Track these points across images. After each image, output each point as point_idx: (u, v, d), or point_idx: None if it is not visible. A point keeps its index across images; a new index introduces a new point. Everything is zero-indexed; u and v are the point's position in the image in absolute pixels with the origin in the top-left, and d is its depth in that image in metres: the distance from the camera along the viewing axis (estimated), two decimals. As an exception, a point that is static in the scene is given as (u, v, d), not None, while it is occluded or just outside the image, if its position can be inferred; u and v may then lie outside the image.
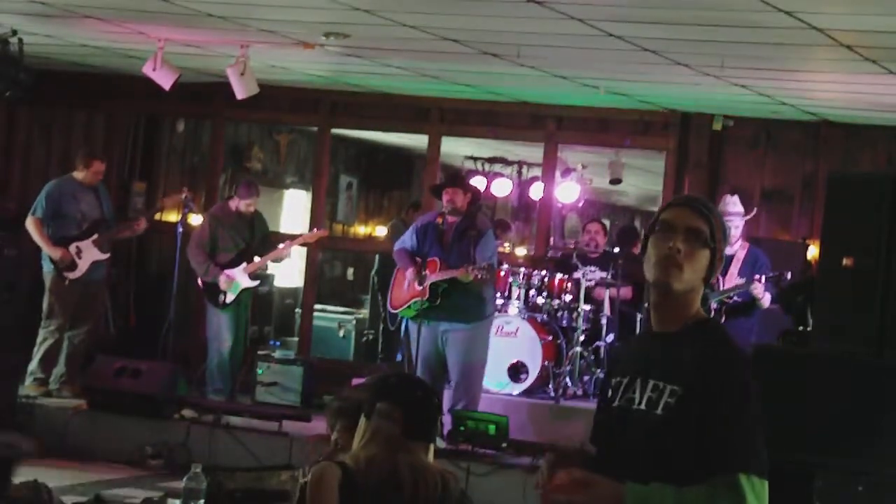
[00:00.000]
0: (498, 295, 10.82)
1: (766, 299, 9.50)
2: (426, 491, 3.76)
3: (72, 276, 10.82)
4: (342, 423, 4.46)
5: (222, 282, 10.99)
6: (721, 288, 9.49)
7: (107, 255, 11.08)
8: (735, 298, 9.57)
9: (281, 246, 11.55)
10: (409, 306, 9.88)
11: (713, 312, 9.36)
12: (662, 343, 3.27)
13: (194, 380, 11.26)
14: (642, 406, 3.20)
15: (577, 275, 11.16)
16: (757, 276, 9.47)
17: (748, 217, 9.97)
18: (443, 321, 9.76)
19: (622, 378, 3.29)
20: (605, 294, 11.27)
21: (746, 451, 3.06)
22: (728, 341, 3.24)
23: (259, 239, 11.35)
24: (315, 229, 11.92)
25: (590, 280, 11.27)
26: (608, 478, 3.11)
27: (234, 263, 11.07)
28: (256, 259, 11.21)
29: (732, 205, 9.78)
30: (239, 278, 11.04)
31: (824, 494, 5.82)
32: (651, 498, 3.04)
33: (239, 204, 11.16)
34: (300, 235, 11.92)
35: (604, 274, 11.29)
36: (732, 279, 9.53)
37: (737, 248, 9.67)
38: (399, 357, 11.02)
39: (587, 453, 3.34)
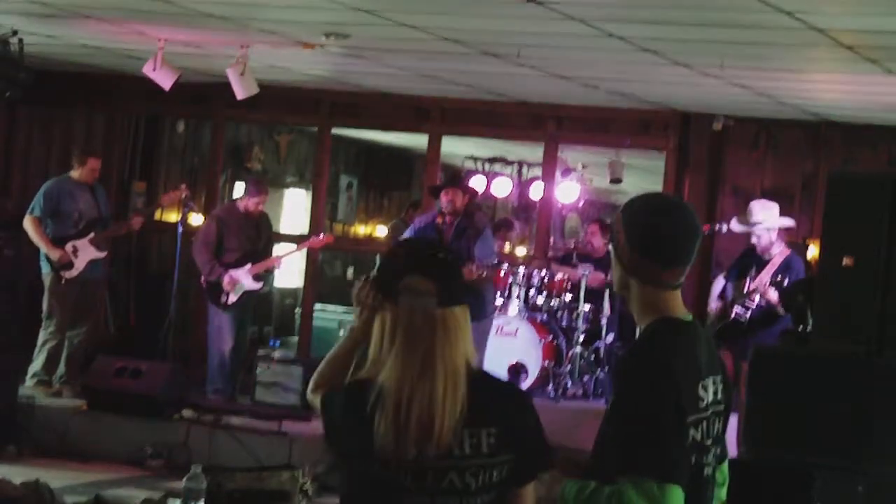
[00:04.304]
0: (498, 295, 10.81)
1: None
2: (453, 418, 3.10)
3: (68, 275, 10.79)
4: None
5: (226, 282, 10.98)
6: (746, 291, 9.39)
7: (104, 254, 11.04)
8: (756, 306, 9.37)
9: (285, 251, 11.50)
10: (411, 308, 9.85)
11: (734, 316, 9.31)
12: None
13: (194, 380, 11.26)
14: None
15: (578, 273, 11.16)
16: (759, 283, 9.30)
17: (774, 225, 9.58)
18: (444, 321, 9.74)
19: None
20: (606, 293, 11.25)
21: (631, 453, 3.07)
22: (635, 344, 3.25)
23: (265, 241, 11.36)
24: (321, 234, 11.90)
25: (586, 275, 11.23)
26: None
27: (239, 264, 11.07)
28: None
29: (759, 212, 9.49)
30: (243, 279, 11.03)
31: (824, 494, 5.82)
32: (570, 493, 3.14)
33: (248, 203, 11.16)
34: (306, 240, 11.92)
35: (602, 273, 11.28)
36: (762, 285, 9.32)
37: (774, 253, 9.50)
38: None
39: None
